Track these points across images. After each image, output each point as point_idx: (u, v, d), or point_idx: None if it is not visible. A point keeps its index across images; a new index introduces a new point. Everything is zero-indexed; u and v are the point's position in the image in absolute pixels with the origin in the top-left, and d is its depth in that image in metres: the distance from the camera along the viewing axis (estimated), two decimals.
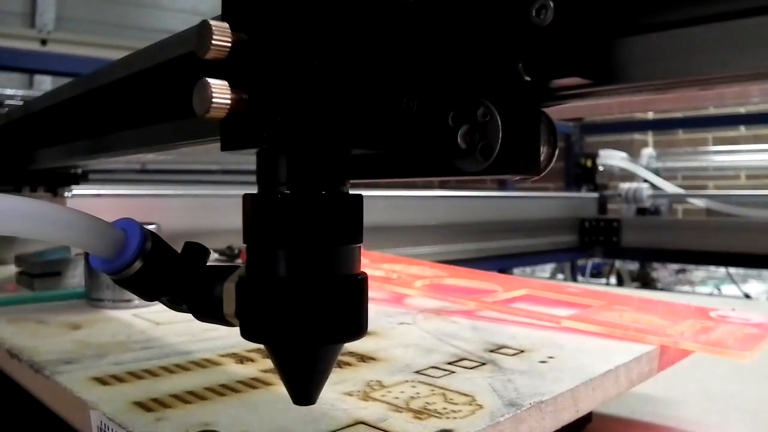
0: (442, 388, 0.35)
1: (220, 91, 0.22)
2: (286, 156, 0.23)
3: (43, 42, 2.72)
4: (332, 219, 0.21)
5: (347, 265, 0.24)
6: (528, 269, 2.65)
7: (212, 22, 0.22)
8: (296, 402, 0.25)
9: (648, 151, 3.27)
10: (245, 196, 0.24)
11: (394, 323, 0.52)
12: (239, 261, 0.85)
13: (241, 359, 0.40)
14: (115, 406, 0.32)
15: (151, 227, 0.30)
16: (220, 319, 0.25)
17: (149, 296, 0.27)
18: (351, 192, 0.25)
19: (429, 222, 1.69)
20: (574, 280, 2.66)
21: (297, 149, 0.23)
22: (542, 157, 0.23)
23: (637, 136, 3.95)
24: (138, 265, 0.25)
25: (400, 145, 0.24)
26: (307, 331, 0.23)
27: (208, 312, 0.25)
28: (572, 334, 0.47)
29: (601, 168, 3.00)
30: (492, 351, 0.43)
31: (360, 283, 0.24)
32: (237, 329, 0.25)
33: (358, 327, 0.24)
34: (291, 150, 0.23)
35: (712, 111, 3.34)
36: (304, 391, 0.25)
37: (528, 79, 0.22)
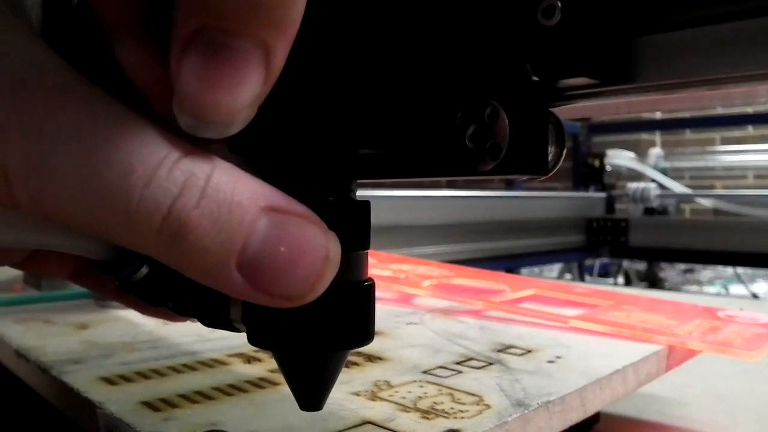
0: (449, 387, 0.35)
1: None
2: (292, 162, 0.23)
3: None
4: (340, 226, 0.21)
5: (355, 271, 0.24)
6: (536, 269, 2.65)
7: None
8: (303, 408, 0.25)
9: (656, 151, 3.27)
10: None
11: (402, 323, 0.52)
12: None
13: (249, 359, 0.40)
14: (122, 406, 0.32)
15: None
16: (227, 324, 0.25)
17: (155, 302, 0.26)
18: (358, 198, 0.25)
19: (436, 222, 1.69)
20: (582, 280, 2.66)
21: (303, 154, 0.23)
22: (550, 157, 0.23)
23: (644, 136, 3.95)
24: (144, 270, 0.25)
25: (407, 145, 0.24)
26: (315, 338, 0.23)
27: (215, 318, 0.25)
28: (580, 334, 0.47)
29: (608, 168, 3.00)
30: (499, 351, 0.43)
31: (367, 290, 0.24)
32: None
33: (365, 333, 0.24)
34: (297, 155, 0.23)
35: (719, 111, 3.34)
36: (312, 397, 0.25)
37: (536, 79, 0.22)
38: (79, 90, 0.18)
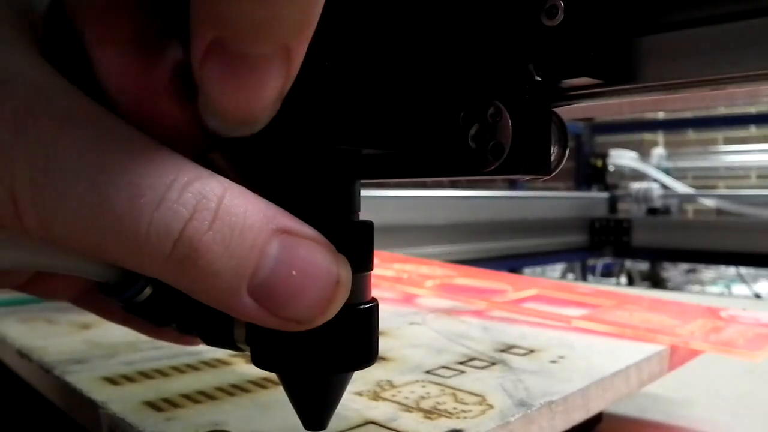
0: (452, 387, 0.35)
1: None
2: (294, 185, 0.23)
3: None
4: (346, 249, 0.21)
5: (359, 293, 0.24)
6: (538, 269, 2.65)
7: None
8: (307, 428, 0.25)
9: (658, 151, 3.26)
10: None
11: (405, 323, 0.52)
12: None
13: None
14: (125, 406, 0.32)
15: None
16: (231, 345, 0.25)
17: (158, 322, 0.26)
18: (361, 219, 0.24)
19: (439, 222, 1.69)
20: (585, 279, 2.65)
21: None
22: (553, 157, 0.23)
23: (647, 136, 3.95)
24: (148, 291, 0.25)
25: (410, 145, 0.24)
26: (319, 361, 0.23)
27: (219, 338, 0.25)
28: (582, 333, 0.47)
29: (611, 168, 2.99)
30: (502, 351, 0.43)
31: (371, 311, 0.24)
32: None
33: (369, 354, 0.24)
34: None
35: (722, 111, 3.33)
36: (316, 417, 0.25)
37: (539, 79, 0.22)
38: (84, 112, 0.18)
